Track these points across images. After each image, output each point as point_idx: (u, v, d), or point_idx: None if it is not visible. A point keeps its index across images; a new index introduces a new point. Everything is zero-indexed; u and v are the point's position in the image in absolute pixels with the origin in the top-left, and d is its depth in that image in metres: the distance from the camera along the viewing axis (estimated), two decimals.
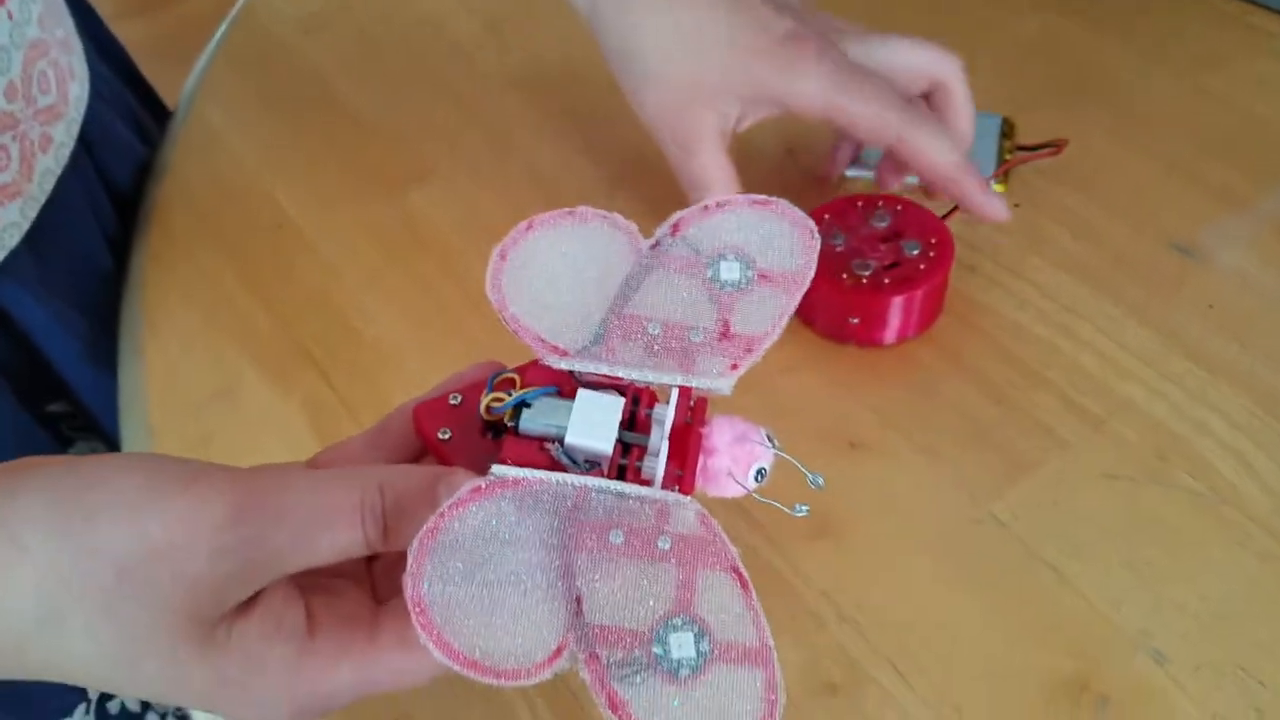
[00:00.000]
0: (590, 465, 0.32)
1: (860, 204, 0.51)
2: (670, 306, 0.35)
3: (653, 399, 0.33)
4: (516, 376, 0.34)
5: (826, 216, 0.50)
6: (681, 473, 0.32)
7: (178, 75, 0.72)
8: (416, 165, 0.62)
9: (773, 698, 0.29)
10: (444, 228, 0.58)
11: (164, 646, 0.28)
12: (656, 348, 0.34)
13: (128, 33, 0.71)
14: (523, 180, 0.60)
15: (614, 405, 0.32)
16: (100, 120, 0.59)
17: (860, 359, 0.50)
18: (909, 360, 0.50)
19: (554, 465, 0.32)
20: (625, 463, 0.32)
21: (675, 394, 0.33)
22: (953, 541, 0.44)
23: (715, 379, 0.34)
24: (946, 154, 0.47)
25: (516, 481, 0.31)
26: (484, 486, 0.30)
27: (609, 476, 0.32)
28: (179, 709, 0.65)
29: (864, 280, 0.48)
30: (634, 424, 0.33)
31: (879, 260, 0.49)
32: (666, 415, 0.32)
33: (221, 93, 0.69)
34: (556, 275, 0.36)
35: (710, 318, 0.35)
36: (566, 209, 0.37)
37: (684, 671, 0.28)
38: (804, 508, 0.32)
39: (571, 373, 0.34)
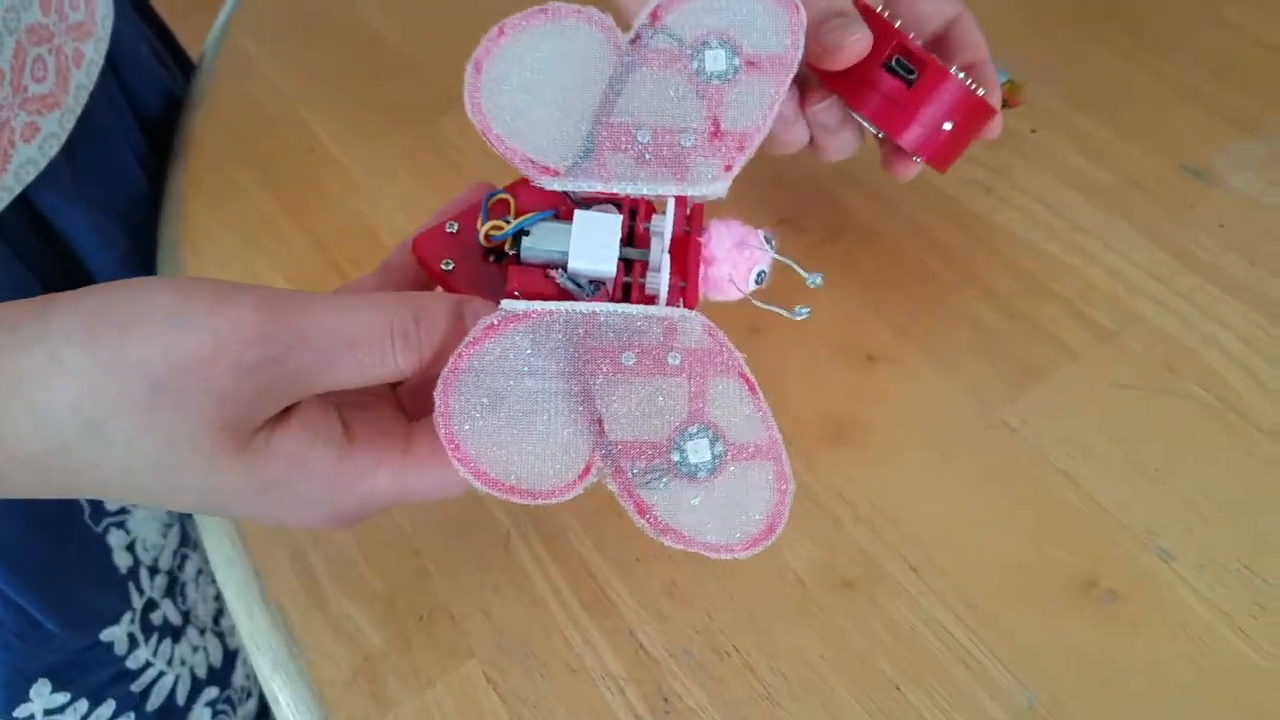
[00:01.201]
0: (596, 285, 0.33)
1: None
2: (658, 109, 0.35)
3: (650, 210, 0.34)
4: (509, 197, 0.34)
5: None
6: (684, 284, 0.33)
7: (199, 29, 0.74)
8: (447, 92, 0.63)
9: (783, 487, 0.31)
10: (476, 154, 0.60)
11: (202, 457, 0.29)
12: (648, 156, 0.34)
13: None
14: None
15: (613, 224, 0.33)
16: (126, 44, 0.61)
17: (878, 276, 0.51)
18: (924, 276, 0.51)
19: (560, 292, 0.32)
20: (629, 280, 0.33)
21: (671, 204, 0.33)
22: (966, 447, 0.45)
23: (710, 183, 0.34)
24: (983, 41, 0.46)
25: (527, 314, 0.31)
26: (496, 323, 0.31)
27: (614, 296, 0.32)
28: (216, 624, 0.67)
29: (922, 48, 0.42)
30: (633, 239, 0.33)
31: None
32: (665, 227, 0.33)
33: (255, 21, 0.70)
34: (536, 86, 0.35)
35: (699, 116, 0.34)
36: (538, 7, 0.35)
37: (702, 473, 0.31)
38: (804, 310, 0.33)
39: (566, 193, 0.34)
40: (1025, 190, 0.54)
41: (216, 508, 0.32)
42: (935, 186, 0.55)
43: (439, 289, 0.35)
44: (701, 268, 0.33)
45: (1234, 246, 0.51)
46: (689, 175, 0.34)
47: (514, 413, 0.30)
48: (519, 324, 0.31)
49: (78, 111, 0.54)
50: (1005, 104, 0.56)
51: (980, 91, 0.43)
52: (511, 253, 0.33)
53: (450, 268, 0.34)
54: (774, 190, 0.56)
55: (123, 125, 0.61)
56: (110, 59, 0.58)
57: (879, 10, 0.43)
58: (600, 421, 0.31)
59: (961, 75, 0.42)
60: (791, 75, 0.35)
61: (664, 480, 0.30)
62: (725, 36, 0.35)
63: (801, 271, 0.34)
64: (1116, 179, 0.54)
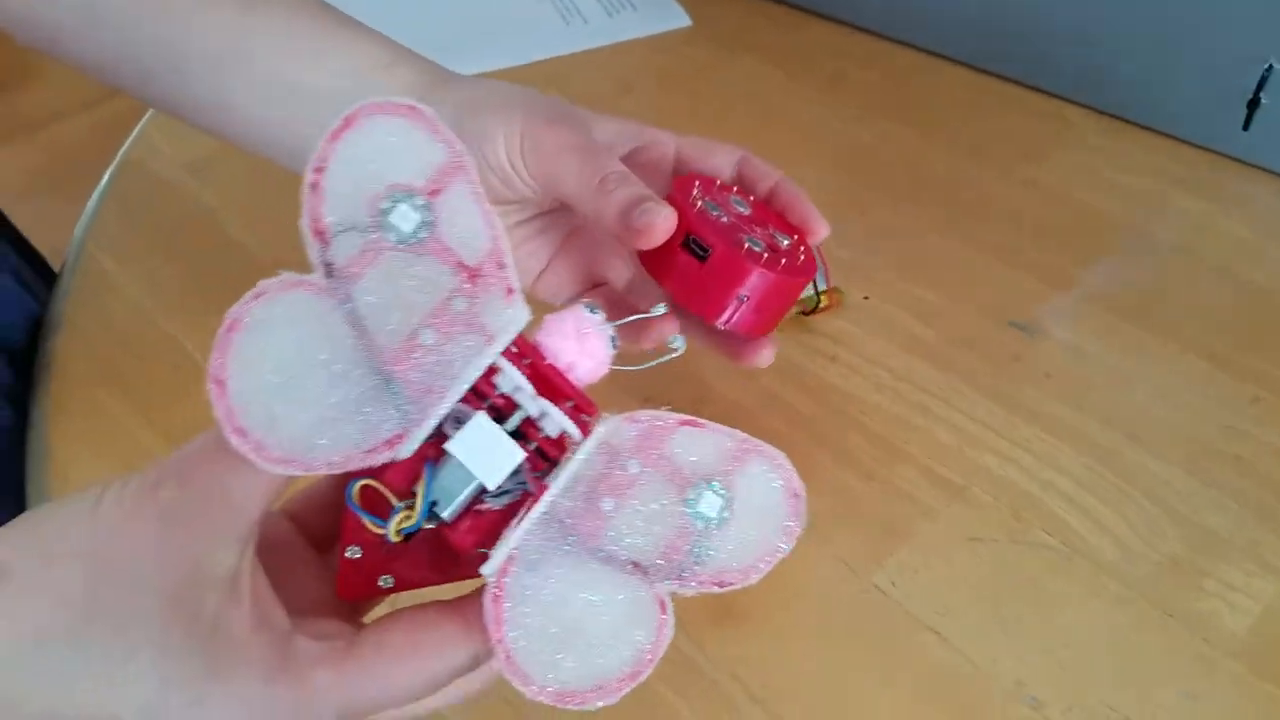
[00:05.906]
0: (519, 477, 0.32)
1: (717, 184, 0.48)
2: (408, 303, 0.31)
3: (488, 382, 0.31)
4: (374, 483, 0.31)
5: (698, 184, 0.47)
6: (574, 400, 0.32)
7: (57, 214, 0.73)
8: None
9: (785, 474, 0.34)
10: None
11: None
12: (448, 347, 0.31)
13: None
14: None
15: (482, 423, 0.31)
16: None
17: None
18: (785, 446, 0.54)
19: (502, 515, 0.31)
20: (536, 445, 0.32)
21: (503, 363, 0.31)
22: (843, 615, 0.48)
23: (508, 317, 0.31)
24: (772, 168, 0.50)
25: (511, 556, 0.31)
26: (501, 572, 0.31)
27: (534, 469, 0.31)
28: None
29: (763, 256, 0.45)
30: (501, 414, 0.31)
31: (766, 243, 0.46)
32: (516, 379, 0.31)
33: (111, 239, 0.70)
34: (306, 384, 0.30)
35: (449, 274, 0.31)
36: (227, 324, 0.31)
37: (724, 517, 0.32)
38: (678, 339, 0.37)
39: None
40: (867, 356, 0.58)
41: None
42: (784, 356, 0.58)
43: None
44: (570, 377, 0.33)
45: (1060, 394, 0.55)
46: (490, 327, 0.31)
47: (587, 647, 0.31)
48: (518, 561, 0.31)
49: None
50: (818, 304, 0.60)
51: (786, 242, 0.46)
52: (432, 526, 0.31)
53: (388, 583, 0.34)
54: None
55: None
56: None
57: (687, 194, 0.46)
58: (634, 564, 0.31)
59: (760, 247, 0.45)
60: (471, 162, 0.31)
61: (698, 549, 0.32)
62: (394, 188, 0.30)
63: (652, 316, 0.39)
64: (948, 338, 0.59)
